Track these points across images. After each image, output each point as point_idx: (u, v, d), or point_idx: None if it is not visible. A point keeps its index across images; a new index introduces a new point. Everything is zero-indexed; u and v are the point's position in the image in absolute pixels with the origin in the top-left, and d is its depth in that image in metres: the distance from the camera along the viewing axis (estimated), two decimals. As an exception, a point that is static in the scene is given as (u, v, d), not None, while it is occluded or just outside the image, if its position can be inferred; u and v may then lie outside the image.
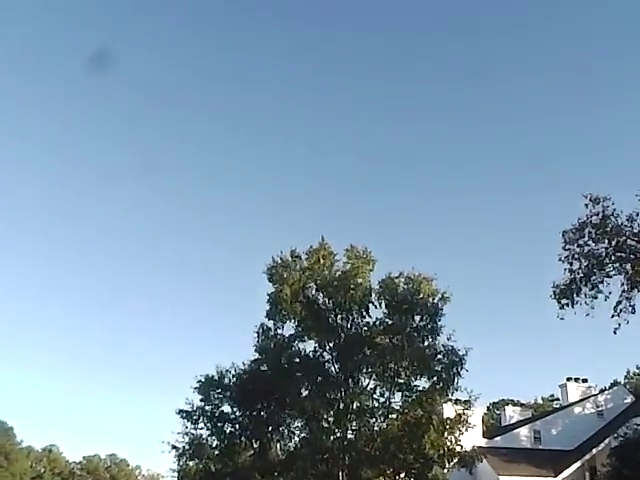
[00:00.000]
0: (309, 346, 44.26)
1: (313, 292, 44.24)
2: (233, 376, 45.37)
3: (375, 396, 43.03)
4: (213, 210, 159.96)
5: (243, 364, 45.39)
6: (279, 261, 44.43)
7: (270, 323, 44.34)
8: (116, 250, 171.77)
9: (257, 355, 44.77)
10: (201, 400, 45.18)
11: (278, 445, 45.56)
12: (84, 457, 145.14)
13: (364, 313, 43.58)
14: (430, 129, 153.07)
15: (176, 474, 48.64)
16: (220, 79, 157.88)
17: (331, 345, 43.47)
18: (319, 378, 43.04)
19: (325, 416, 43.25)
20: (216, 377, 45.42)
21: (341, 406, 42.43)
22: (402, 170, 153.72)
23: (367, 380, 43.10)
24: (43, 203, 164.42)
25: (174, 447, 44.96)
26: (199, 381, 45.14)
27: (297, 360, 43.51)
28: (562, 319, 41.86)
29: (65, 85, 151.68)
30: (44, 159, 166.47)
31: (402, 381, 42.50)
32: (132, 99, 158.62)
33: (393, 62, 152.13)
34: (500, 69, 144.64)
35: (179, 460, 46.41)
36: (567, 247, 40.99)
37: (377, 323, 43.58)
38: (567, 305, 41.02)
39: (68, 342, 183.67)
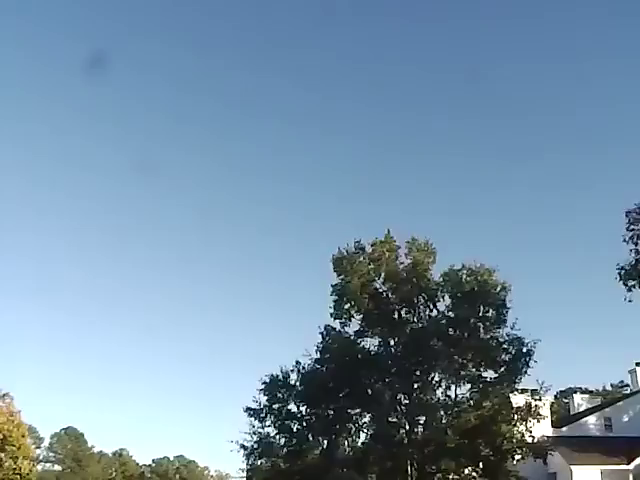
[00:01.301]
0: (374, 341, 44.16)
1: (378, 285, 44.13)
2: (298, 375, 45.25)
3: (442, 389, 42.71)
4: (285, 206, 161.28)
5: (307, 364, 45.29)
6: (345, 253, 44.40)
7: (335, 319, 44.27)
8: (187, 249, 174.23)
9: (322, 352, 44.61)
10: (267, 399, 45.15)
11: (346, 442, 45.34)
12: (153, 460, 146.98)
13: (430, 306, 43.32)
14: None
15: (245, 473, 48.69)
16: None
17: (396, 340, 43.32)
18: (385, 374, 42.95)
19: (393, 411, 43.03)
20: (281, 377, 45.32)
21: (409, 401, 42.23)
22: (463, 162, 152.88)
23: (434, 373, 42.78)
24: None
25: (242, 446, 44.87)
26: (264, 382, 45.11)
27: (362, 356, 43.29)
28: (630, 301, 41.07)
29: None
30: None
31: (469, 373, 42.12)
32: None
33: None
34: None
35: (248, 459, 46.33)
36: (631, 227, 40.12)
37: (441, 316, 43.30)
38: (634, 287, 40.15)
39: (133, 348, 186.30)
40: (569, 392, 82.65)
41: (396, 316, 43.41)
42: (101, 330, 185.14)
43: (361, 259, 44.33)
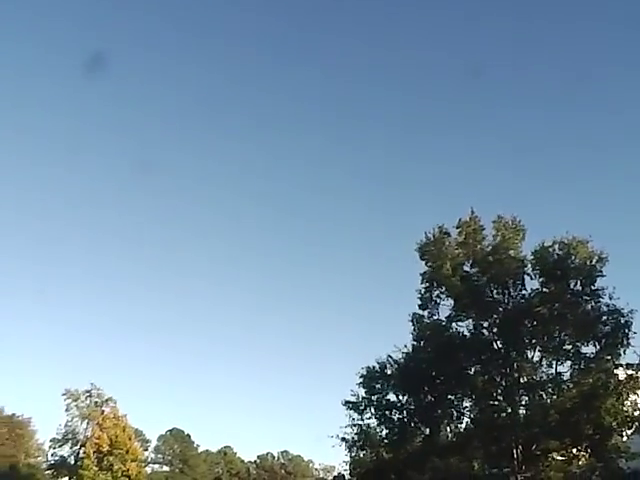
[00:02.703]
0: (468, 325, 43.54)
1: (467, 267, 43.55)
2: (394, 364, 44.97)
3: (543, 368, 41.75)
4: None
5: (402, 352, 44.94)
6: (431, 238, 43.89)
7: (425, 306, 43.85)
8: (273, 245, 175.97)
9: (416, 341, 44.28)
10: (365, 392, 45.06)
11: (448, 428, 44.93)
12: (258, 456, 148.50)
13: (521, 285, 42.49)
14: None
15: (348, 465, 48.70)
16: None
17: (490, 322, 42.61)
18: (482, 356, 42.31)
19: (494, 394, 42.42)
20: (377, 368, 45.14)
21: (509, 382, 41.52)
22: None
23: (532, 352, 41.87)
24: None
25: (343, 439, 44.92)
26: (362, 375, 45.00)
27: (457, 341, 42.76)
28: None
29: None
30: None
31: (568, 348, 41.14)
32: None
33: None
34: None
35: (350, 451, 46.38)
36: None
37: (534, 294, 42.33)
38: None
39: (233, 346, 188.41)
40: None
41: (488, 297, 42.67)
42: (198, 329, 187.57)
43: (447, 243, 43.76)
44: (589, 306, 41.21)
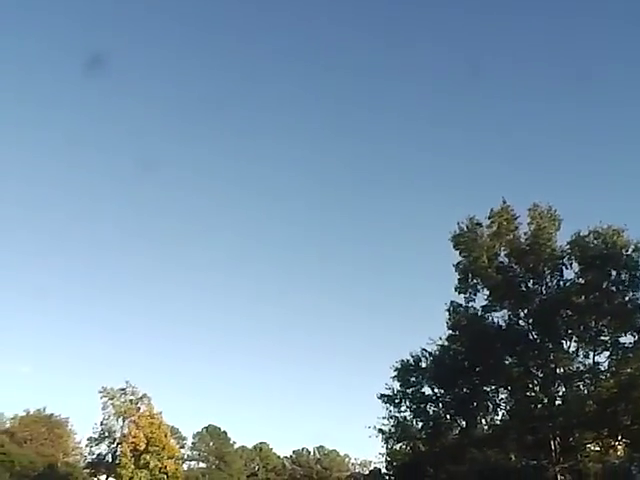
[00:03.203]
0: (503, 315, 43.20)
1: (502, 258, 43.19)
2: (429, 357, 44.78)
3: (579, 359, 41.36)
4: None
5: (437, 345, 44.72)
6: (465, 229, 43.62)
7: (460, 297, 43.68)
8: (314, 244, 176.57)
9: (451, 330, 44.02)
10: (400, 385, 44.93)
11: (484, 420, 44.67)
12: (294, 451, 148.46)
13: (557, 275, 42.05)
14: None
15: (384, 458, 48.56)
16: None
17: (526, 312, 42.22)
18: (518, 347, 41.88)
19: (530, 385, 42.07)
20: (412, 362, 45.01)
21: (545, 373, 41.13)
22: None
23: (568, 343, 41.50)
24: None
25: (380, 431, 44.83)
26: (396, 369, 44.90)
27: (492, 331, 42.43)
28: None
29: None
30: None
31: (606, 339, 40.63)
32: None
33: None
34: None
35: (387, 443, 46.25)
36: None
37: (570, 284, 41.89)
38: None
39: (265, 343, 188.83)
40: None
41: (523, 288, 42.33)
42: (233, 326, 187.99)
43: (481, 234, 43.40)
44: (627, 296, 40.65)
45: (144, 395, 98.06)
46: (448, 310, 43.98)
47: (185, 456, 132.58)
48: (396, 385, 45.10)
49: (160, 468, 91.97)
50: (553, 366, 40.92)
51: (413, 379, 45.10)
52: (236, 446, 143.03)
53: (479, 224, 43.65)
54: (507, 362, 42.77)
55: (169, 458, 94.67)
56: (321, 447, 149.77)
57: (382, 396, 45.20)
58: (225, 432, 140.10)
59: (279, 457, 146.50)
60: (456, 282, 43.63)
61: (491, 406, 43.58)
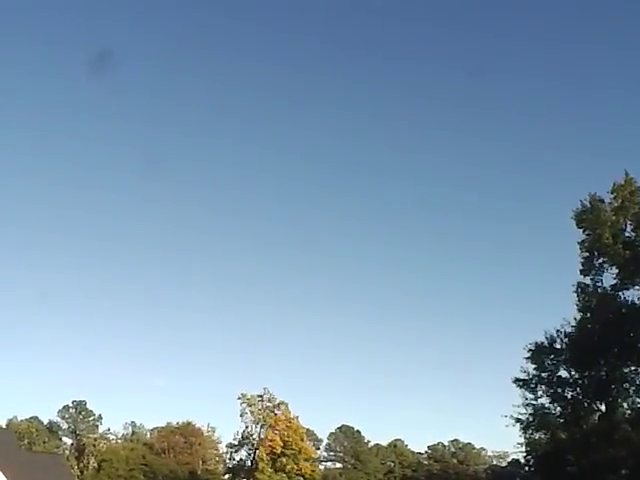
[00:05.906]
0: (635, 292, 41.55)
1: (628, 233, 41.59)
2: (564, 338, 43.45)
3: None
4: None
5: (571, 326, 43.36)
6: (587, 205, 42.33)
7: (587, 278, 42.23)
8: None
9: (581, 312, 42.67)
10: (535, 368, 43.76)
11: (625, 404, 42.99)
12: (429, 446, 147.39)
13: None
14: None
15: (523, 448, 47.28)
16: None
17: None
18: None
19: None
20: (546, 343, 43.73)
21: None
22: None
23: None
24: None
25: (518, 420, 43.74)
26: (530, 350, 43.72)
27: (626, 310, 40.88)
28: None
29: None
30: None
31: None
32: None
33: None
34: None
35: (525, 432, 45.07)
36: None
37: None
38: None
39: (392, 340, 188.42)
40: None
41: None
42: (362, 328, 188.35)
43: (605, 209, 41.89)
44: None
45: (281, 402, 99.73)
46: (576, 292, 42.69)
47: (321, 457, 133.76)
48: (530, 368, 43.98)
49: (296, 471, 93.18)
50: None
51: (548, 362, 43.82)
52: (370, 444, 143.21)
53: (601, 200, 42.25)
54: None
55: (305, 460, 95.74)
56: (456, 441, 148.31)
57: (517, 380, 44.08)
58: (359, 431, 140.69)
59: (414, 453, 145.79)
60: (580, 262, 42.37)
61: (632, 388, 41.99)
